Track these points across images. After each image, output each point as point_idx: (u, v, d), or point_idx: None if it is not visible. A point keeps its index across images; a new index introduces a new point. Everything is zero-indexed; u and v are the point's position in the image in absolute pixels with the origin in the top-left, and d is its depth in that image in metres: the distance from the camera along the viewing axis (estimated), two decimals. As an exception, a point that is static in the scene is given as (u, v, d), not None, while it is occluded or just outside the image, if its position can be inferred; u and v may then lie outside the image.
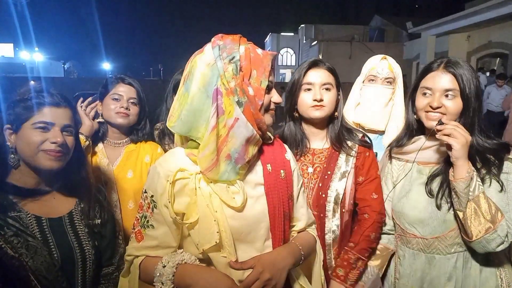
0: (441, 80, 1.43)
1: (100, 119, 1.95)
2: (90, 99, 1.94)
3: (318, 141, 1.72)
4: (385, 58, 2.16)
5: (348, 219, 1.67)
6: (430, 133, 1.45)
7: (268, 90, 1.18)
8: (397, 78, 2.16)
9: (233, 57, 1.11)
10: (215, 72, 1.11)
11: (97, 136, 1.94)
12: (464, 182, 1.30)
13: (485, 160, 1.39)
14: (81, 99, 1.92)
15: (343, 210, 1.63)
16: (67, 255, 1.25)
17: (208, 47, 1.15)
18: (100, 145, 1.94)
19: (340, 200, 1.62)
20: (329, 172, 1.65)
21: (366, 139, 1.72)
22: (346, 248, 1.61)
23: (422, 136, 1.55)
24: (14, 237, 1.16)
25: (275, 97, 1.22)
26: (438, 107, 1.42)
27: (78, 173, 1.37)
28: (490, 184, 1.37)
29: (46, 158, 1.22)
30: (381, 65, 2.14)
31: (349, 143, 1.67)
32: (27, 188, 1.26)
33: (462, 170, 1.30)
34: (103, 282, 1.42)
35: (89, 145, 1.84)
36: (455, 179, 1.32)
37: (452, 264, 1.46)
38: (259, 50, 1.16)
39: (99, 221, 1.38)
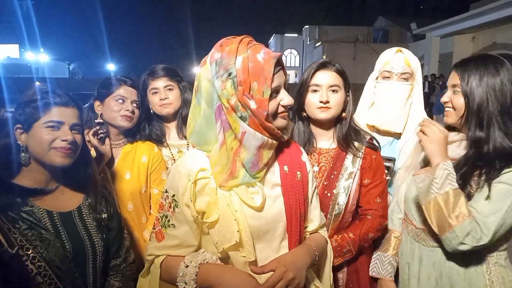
0: (450, 78, 1.49)
1: (99, 120, 1.92)
2: (93, 130, 1.84)
3: (325, 140, 1.72)
4: (400, 51, 1.95)
5: (348, 220, 1.68)
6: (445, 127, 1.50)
7: (276, 93, 1.14)
8: (415, 73, 1.95)
9: (230, 73, 1.08)
10: (214, 90, 1.10)
11: (101, 139, 1.92)
12: (419, 177, 1.39)
13: (491, 162, 1.36)
14: (87, 131, 1.79)
15: (346, 210, 1.65)
16: (79, 248, 1.31)
17: (208, 60, 1.13)
18: None
19: (346, 200, 1.63)
20: (335, 172, 1.65)
21: (374, 141, 1.71)
22: (345, 235, 1.63)
23: (452, 133, 1.55)
24: (29, 230, 1.22)
25: (286, 100, 1.16)
26: (446, 102, 1.49)
27: (85, 170, 1.43)
28: (482, 187, 1.34)
29: (57, 155, 1.29)
30: (396, 59, 1.93)
31: (356, 144, 1.67)
32: (37, 185, 1.31)
33: (432, 165, 1.36)
34: (111, 274, 1.48)
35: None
36: (416, 173, 1.43)
37: (437, 258, 1.47)
38: (260, 56, 1.09)
39: (105, 215, 1.44)
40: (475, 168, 1.37)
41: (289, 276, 1.09)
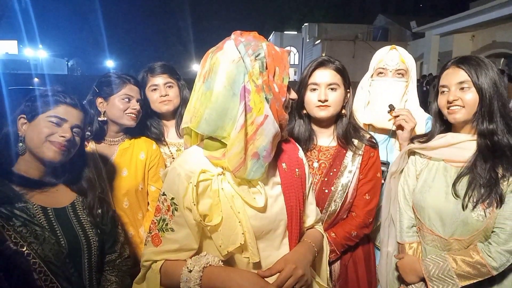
0: (454, 76, 1.47)
1: (102, 118, 1.91)
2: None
3: (325, 138, 1.73)
4: (394, 48, 1.98)
5: (343, 217, 1.69)
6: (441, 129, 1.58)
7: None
8: (410, 71, 1.97)
9: (259, 54, 1.10)
10: (241, 69, 1.09)
11: (100, 135, 1.92)
12: None
13: (505, 154, 1.39)
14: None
15: (342, 208, 1.65)
16: (74, 243, 1.33)
17: (229, 44, 1.12)
18: (92, 145, 1.89)
19: (343, 198, 1.64)
20: (334, 170, 1.66)
21: (373, 139, 1.72)
22: (327, 235, 1.62)
23: (448, 134, 1.55)
24: (23, 227, 1.23)
25: (293, 94, 1.22)
26: (454, 100, 1.46)
27: (81, 169, 1.46)
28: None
29: (50, 149, 1.30)
30: (390, 56, 1.96)
31: (356, 141, 1.67)
32: (31, 178, 1.33)
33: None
34: (107, 269, 1.50)
35: None
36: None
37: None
38: (277, 47, 1.16)
39: (99, 211, 1.46)
40: (495, 160, 1.39)
41: (298, 273, 1.10)
